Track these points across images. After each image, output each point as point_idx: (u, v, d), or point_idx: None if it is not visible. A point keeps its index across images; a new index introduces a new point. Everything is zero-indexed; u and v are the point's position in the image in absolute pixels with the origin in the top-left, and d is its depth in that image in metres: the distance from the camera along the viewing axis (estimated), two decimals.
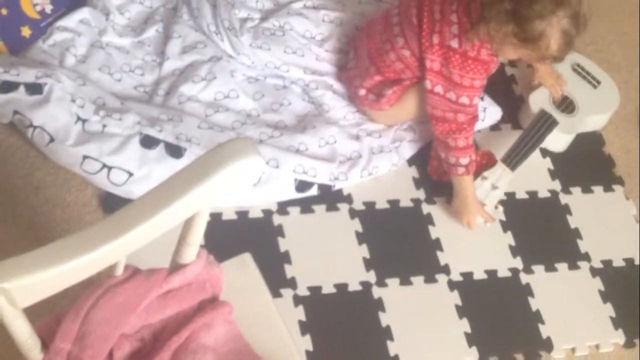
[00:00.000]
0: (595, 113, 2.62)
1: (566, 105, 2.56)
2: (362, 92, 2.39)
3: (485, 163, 2.40)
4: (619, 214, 2.53)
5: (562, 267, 2.36)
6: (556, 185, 2.52)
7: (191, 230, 1.33)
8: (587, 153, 2.63)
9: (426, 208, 2.37)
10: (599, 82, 2.66)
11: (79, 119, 2.19)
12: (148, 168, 2.15)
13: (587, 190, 2.54)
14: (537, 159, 2.53)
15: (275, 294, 2.07)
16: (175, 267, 1.42)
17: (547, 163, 2.56)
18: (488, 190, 2.35)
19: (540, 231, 2.43)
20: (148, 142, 2.18)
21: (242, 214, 2.23)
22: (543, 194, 2.50)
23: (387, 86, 2.35)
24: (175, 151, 2.19)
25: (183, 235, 1.36)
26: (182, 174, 1.17)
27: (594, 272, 2.37)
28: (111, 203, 2.14)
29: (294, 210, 2.27)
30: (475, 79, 2.19)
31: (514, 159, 2.39)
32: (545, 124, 2.48)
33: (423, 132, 2.45)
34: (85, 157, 2.13)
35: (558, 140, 2.55)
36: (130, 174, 2.14)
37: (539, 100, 2.53)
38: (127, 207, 1.14)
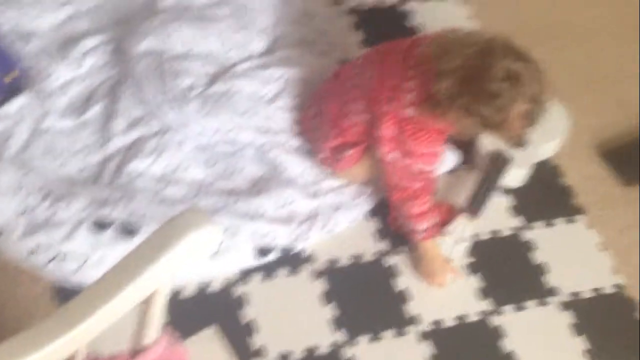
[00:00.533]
0: (547, 141, 2.58)
1: None
2: (324, 154, 2.37)
3: (446, 218, 2.38)
4: (583, 245, 2.51)
5: (530, 304, 2.34)
6: (518, 222, 2.51)
7: (151, 309, 1.29)
8: (546, 186, 2.62)
9: (390, 260, 2.34)
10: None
11: (25, 209, 2.14)
12: (101, 252, 2.11)
13: (549, 224, 2.53)
14: (497, 197, 2.51)
15: None
16: (137, 349, 1.38)
17: (508, 200, 2.55)
18: (453, 245, 2.32)
19: (507, 270, 2.41)
20: (99, 225, 2.14)
21: (203, 288, 2.18)
22: (506, 232, 2.48)
23: (348, 147, 2.32)
24: (128, 231, 2.15)
25: (143, 315, 1.32)
26: (136, 254, 1.14)
27: (564, 306, 2.35)
28: (65, 293, 2.07)
29: (256, 278, 2.23)
30: (428, 147, 2.16)
31: (475, 206, 2.37)
32: (500, 164, 2.46)
33: (382, 184, 2.43)
34: (35, 249, 2.09)
35: (514, 176, 2.53)
36: (84, 261, 2.09)
37: (489, 140, 2.52)
38: (80, 294, 1.11)
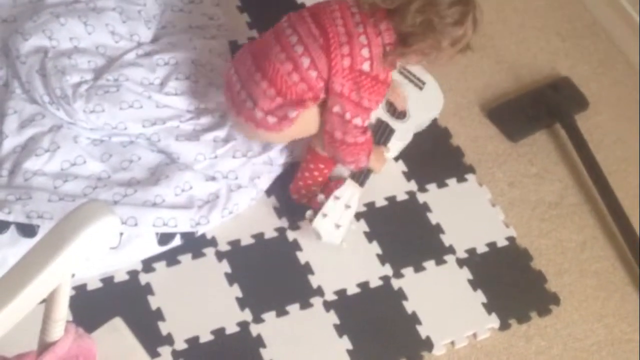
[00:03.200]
0: (424, 115, 2.68)
1: (399, 112, 2.61)
2: (260, 114, 2.24)
3: (335, 183, 2.42)
4: (475, 202, 2.60)
5: (429, 265, 2.41)
6: (412, 185, 2.58)
7: (55, 306, 1.30)
8: (436, 148, 2.71)
9: (291, 235, 2.38)
10: (424, 83, 2.70)
11: None
12: (2, 254, 2.10)
13: (442, 184, 2.61)
14: (390, 163, 2.58)
15: (153, 354, 2.06)
16: (44, 346, 1.40)
17: (401, 166, 2.61)
18: (342, 210, 2.36)
19: (404, 234, 2.48)
20: None
21: (107, 280, 2.19)
22: (401, 197, 2.55)
23: (290, 107, 2.22)
24: (28, 231, 2.15)
25: (47, 312, 1.33)
26: (36, 251, 1.14)
27: (461, 262, 2.44)
28: None
29: (160, 265, 2.25)
30: (379, 101, 2.23)
31: (361, 175, 2.42)
32: (384, 133, 2.53)
33: (278, 159, 2.48)
34: None
35: (393, 147, 2.58)
36: None
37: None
38: None
